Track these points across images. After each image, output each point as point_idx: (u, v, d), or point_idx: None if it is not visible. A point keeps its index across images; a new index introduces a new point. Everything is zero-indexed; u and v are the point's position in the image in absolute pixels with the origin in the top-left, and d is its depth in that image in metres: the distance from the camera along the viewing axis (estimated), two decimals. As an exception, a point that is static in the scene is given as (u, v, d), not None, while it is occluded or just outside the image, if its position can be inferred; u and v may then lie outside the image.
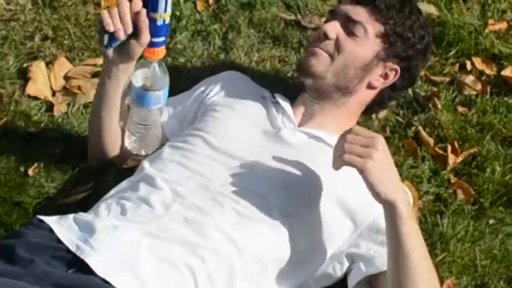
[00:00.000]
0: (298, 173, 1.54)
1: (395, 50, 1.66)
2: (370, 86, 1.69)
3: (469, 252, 1.78)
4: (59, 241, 1.40)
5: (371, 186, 1.40)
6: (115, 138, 1.69)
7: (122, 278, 1.34)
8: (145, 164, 1.59)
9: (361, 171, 1.39)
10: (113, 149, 1.71)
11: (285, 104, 1.71)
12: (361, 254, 1.54)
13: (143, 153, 1.59)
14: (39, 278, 1.31)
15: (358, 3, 1.65)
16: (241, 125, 1.64)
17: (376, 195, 1.41)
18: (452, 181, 1.91)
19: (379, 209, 1.46)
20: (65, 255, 1.38)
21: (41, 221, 1.47)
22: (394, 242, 1.41)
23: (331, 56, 1.64)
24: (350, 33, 1.64)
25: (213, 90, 1.77)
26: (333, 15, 1.69)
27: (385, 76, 1.69)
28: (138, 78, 1.50)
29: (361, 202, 1.51)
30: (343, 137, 1.43)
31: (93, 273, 1.33)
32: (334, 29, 1.64)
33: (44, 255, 1.36)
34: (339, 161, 1.42)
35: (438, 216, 1.84)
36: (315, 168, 1.54)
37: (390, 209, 1.41)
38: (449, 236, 1.79)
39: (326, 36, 1.64)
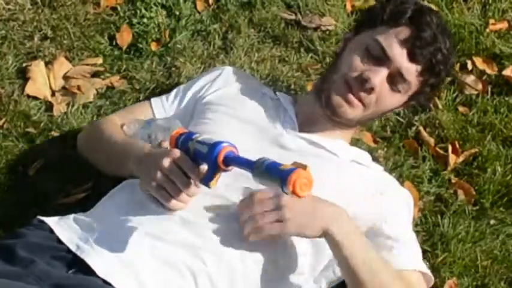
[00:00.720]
0: None
1: (418, 99, 1.67)
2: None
3: (469, 252, 1.78)
4: (59, 241, 1.40)
5: (300, 237, 1.42)
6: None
7: (122, 278, 1.34)
8: None
9: (283, 234, 1.40)
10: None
11: (287, 105, 1.69)
12: None
13: None
14: (39, 278, 1.30)
15: (415, 61, 1.55)
16: (240, 128, 1.61)
17: (310, 238, 1.42)
18: (453, 181, 1.91)
19: (378, 214, 1.48)
20: (65, 255, 1.37)
21: (42, 221, 1.47)
22: (341, 264, 1.43)
23: (366, 106, 1.58)
24: (394, 87, 1.57)
25: (211, 88, 1.74)
26: (375, 60, 1.56)
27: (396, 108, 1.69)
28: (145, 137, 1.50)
29: (360, 209, 1.51)
30: (244, 209, 1.41)
31: (93, 274, 1.33)
32: (381, 82, 1.55)
33: (44, 255, 1.36)
34: (256, 235, 1.40)
35: (439, 216, 1.84)
36: (315, 176, 1.52)
37: (326, 239, 1.41)
38: (450, 237, 1.79)
39: (372, 89, 1.55)
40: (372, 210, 1.51)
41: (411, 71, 1.56)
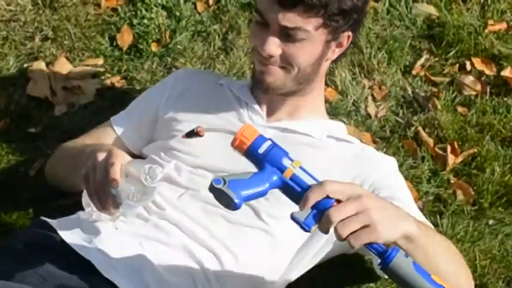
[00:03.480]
0: None
1: (340, 27, 1.51)
2: (328, 60, 1.60)
3: (468, 252, 1.78)
4: (62, 241, 1.41)
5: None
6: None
7: (125, 278, 1.35)
8: None
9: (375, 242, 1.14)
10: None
11: (246, 96, 1.65)
12: None
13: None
14: (43, 278, 1.31)
15: (287, 9, 1.45)
16: (211, 138, 1.53)
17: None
18: (452, 181, 1.91)
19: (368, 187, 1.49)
20: (68, 255, 1.38)
21: (44, 221, 1.47)
22: (420, 255, 1.21)
23: (285, 68, 1.53)
24: (292, 39, 1.49)
25: (170, 96, 1.69)
26: (264, 26, 1.50)
27: (340, 45, 1.57)
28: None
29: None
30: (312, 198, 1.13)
31: (97, 274, 1.34)
32: (275, 46, 1.49)
33: (47, 254, 1.37)
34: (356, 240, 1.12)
35: (438, 216, 1.84)
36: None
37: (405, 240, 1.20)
38: (448, 236, 1.79)
39: (271, 56, 1.51)
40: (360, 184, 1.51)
41: (291, 19, 1.46)
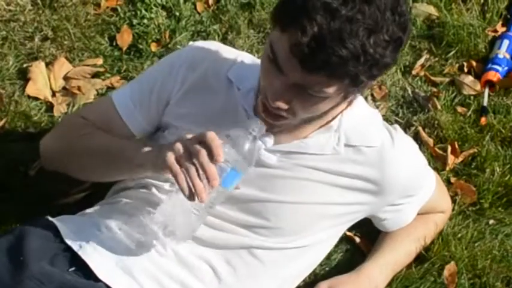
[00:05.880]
0: (284, 198, 1.45)
1: (365, 85, 1.33)
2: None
3: (468, 252, 1.78)
4: (62, 240, 1.41)
5: None
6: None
7: (121, 282, 1.36)
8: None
9: None
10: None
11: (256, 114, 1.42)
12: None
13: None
14: (40, 282, 1.32)
15: (311, 73, 1.22)
16: None
17: None
18: (452, 181, 1.91)
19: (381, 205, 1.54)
20: (66, 254, 1.39)
21: (44, 221, 1.47)
22: None
23: (286, 117, 1.34)
24: (306, 94, 1.27)
25: (177, 91, 1.51)
26: (278, 69, 1.27)
27: (350, 103, 1.41)
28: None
29: (351, 200, 1.50)
30: None
31: (93, 274, 1.35)
32: (286, 101, 1.29)
33: (47, 255, 1.37)
34: None
35: (438, 216, 1.84)
36: (300, 185, 1.45)
37: None
38: (449, 236, 1.79)
39: (276, 108, 1.31)
40: (375, 204, 1.54)
41: (312, 81, 1.24)
